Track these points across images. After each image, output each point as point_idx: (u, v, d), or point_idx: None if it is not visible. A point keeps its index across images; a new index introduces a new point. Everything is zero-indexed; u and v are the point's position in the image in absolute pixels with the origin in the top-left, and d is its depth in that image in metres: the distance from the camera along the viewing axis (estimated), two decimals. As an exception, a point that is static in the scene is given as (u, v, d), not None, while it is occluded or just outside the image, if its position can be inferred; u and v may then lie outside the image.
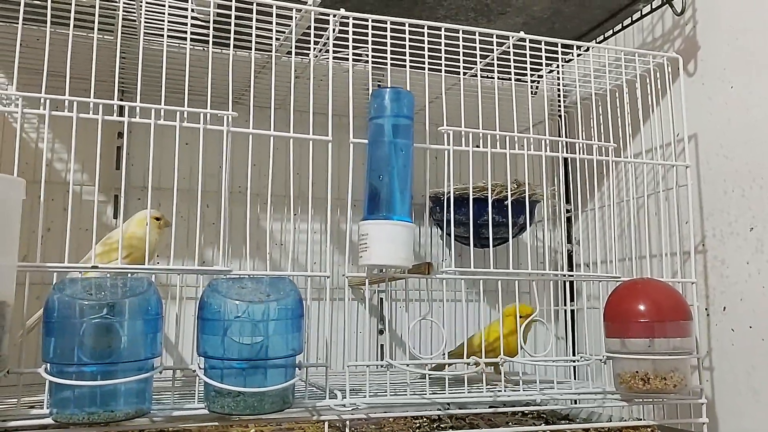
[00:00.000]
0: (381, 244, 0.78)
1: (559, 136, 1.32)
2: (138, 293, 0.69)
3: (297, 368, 0.75)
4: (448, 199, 0.89)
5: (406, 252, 0.79)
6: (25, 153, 1.14)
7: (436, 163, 0.90)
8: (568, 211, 1.29)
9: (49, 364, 0.67)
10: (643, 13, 1.14)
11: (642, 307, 0.85)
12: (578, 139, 0.98)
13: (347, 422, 0.79)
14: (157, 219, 0.93)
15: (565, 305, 1.25)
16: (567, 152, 0.99)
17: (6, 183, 0.68)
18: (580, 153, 0.97)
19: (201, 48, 0.88)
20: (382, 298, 1.32)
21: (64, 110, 0.75)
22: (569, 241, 1.34)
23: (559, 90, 1.29)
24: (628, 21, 1.17)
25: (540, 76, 1.13)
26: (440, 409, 1.11)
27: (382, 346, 1.30)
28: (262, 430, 1.02)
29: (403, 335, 1.28)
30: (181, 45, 0.95)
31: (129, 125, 0.78)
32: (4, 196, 0.67)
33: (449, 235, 1.21)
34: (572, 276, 1.15)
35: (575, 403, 0.94)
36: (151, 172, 0.76)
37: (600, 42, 1.24)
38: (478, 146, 0.90)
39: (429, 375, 0.86)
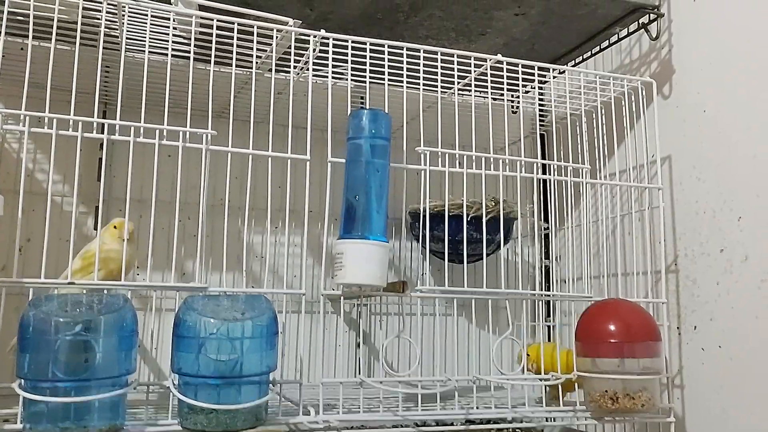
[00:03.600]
0: (356, 263, 0.79)
1: (537, 156, 1.33)
2: (113, 310, 0.70)
3: (271, 384, 0.76)
4: (425, 216, 0.90)
5: (381, 271, 0.80)
6: (7, 163, 1.14)
7: (418, 178, 0.91)
8: (545, 228, 1.31)
9: (23, 380, 0.67)
10: (619, 37, 1.16)
11: (612, 328, 0.87)
12: (554, 159, 1.00)
13: (320, 439, 0.80)
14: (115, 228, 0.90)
15: (543, 321, 1.26)
16: (543, 173, 1.01)
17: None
18: (554, 174, 0.98)
19: (186, 64, 0.89)
20: (362, 312, 1.33)
21: (44, 127, 0.76)
22: (547, 257, 1.35)
23: (541, 109, 1.31)
24: (606, 44, 1.19)
25: (518, 98, 1.15)
26: (417, 424, 1.12)
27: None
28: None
29: (381, 350, 1.29)
30: (165, 61, 0.96)
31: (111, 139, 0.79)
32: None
33: (424, 248, 1.22)
34: (546, 296, 1.16)
35: (548, 420, 0.96)
36: (130, 188, 0.77)
37: (579, 63, 1.26)
38: (454, 166, 0.92)
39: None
